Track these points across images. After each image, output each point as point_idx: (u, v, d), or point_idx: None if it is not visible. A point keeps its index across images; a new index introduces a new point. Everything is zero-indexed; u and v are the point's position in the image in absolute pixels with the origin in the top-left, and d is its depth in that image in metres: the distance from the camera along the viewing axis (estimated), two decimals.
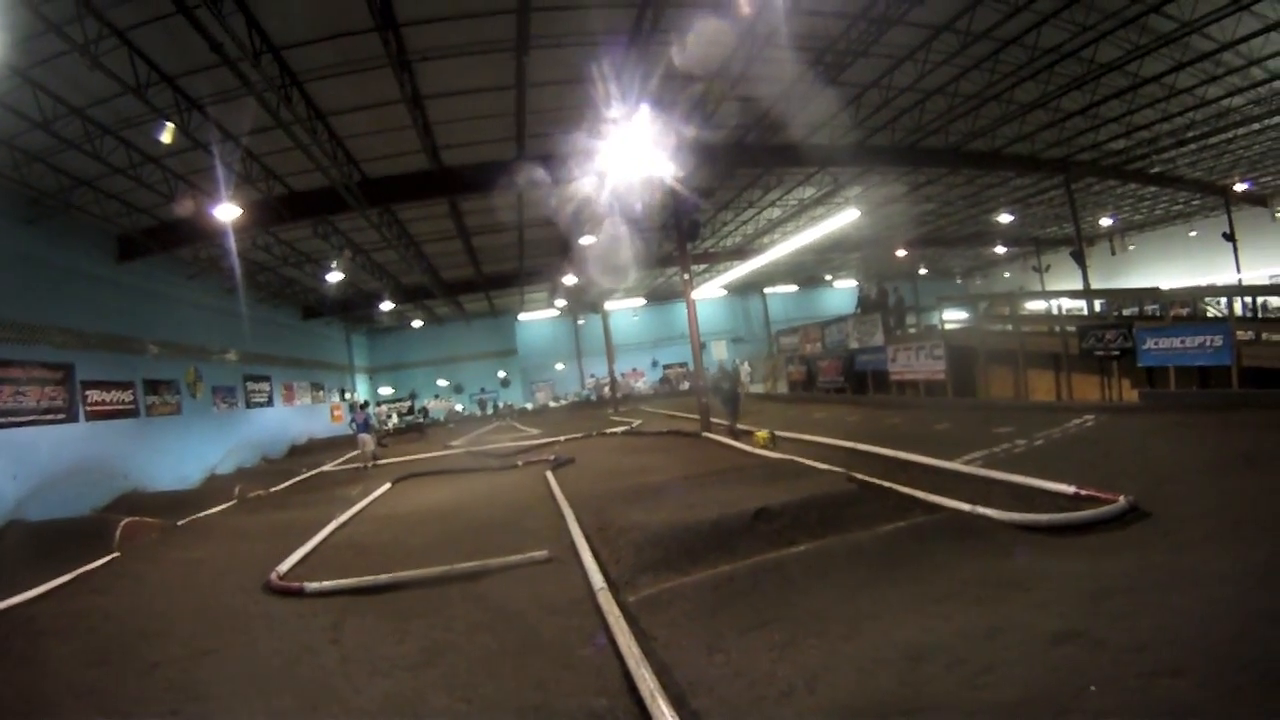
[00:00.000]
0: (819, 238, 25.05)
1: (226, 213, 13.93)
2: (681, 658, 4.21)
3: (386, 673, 4.80)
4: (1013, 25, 12.79)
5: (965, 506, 6.29)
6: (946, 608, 4.25)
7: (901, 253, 33.85)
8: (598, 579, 5.78)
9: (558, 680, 4.23)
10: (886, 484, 7.49)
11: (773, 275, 38.58)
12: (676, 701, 3.50)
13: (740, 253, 30.46)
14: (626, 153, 13.10)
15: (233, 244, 17.10)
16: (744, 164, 17.92)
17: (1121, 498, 5.70)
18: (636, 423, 20.99)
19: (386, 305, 29.55)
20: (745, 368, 28.38)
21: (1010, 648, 3.69)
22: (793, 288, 43.95)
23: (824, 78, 13.01)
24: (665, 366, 42.36)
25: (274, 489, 15.95)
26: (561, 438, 19.12)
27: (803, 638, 4.18)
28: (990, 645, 3.73)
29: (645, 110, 12.15)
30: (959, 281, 47.46)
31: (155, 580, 8.68)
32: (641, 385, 40.51)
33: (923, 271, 42.24)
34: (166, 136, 11.43)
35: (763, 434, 12.70)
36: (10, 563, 10.70)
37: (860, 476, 7.91)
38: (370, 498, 12.67)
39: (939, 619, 4.10)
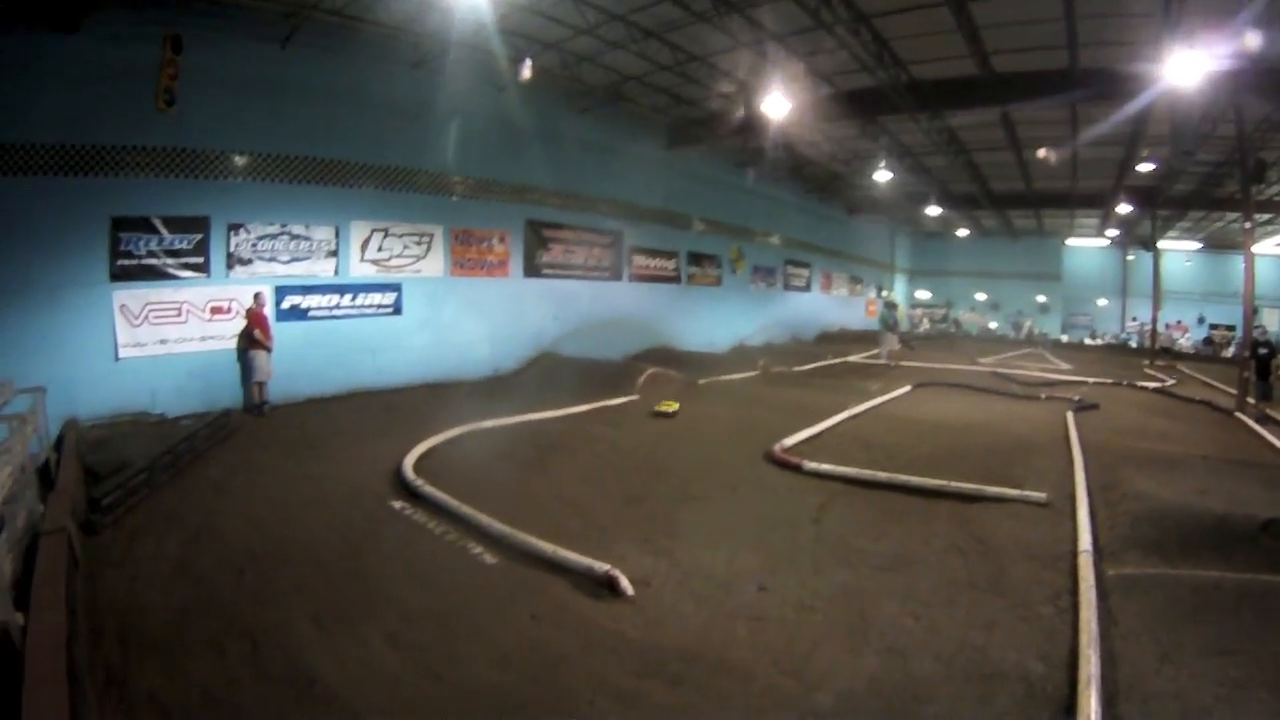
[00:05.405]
0: None
1: (772, 108, 14.57)
2: (1132, 653, 4.02)
3: (851, 564, 5.34)
4: None
5: None
6: None
7: None
8: (1085, 540, 5.66)
9: (1007, 628, 4.34)
10: None
11: None
12: (1107, 697, 3.47)
13: None
14: (1188, 72, 10.95)
15: (779, 138, 18.30)
16: None
17: None
18: (1170, 381, 18.26)
19: (932, 210, 29.14)
20: None
21: None
22: None
23: None
24: (1211, 326, 34.39)
25: (797, 368, 17.54)
26: (1090, 380, 17.64)
27: (1258, 684, 3.68)
28: None
29: (1210, 26, 10.04)
30: None
31: (664, 426, 10.33)
32: (1184, 341, 33.74)
33: None
34: (527, 72, 12.77)
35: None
36: (540, 385, 13.05)
37: None
38: (887, 396, 13.28)
39: None
